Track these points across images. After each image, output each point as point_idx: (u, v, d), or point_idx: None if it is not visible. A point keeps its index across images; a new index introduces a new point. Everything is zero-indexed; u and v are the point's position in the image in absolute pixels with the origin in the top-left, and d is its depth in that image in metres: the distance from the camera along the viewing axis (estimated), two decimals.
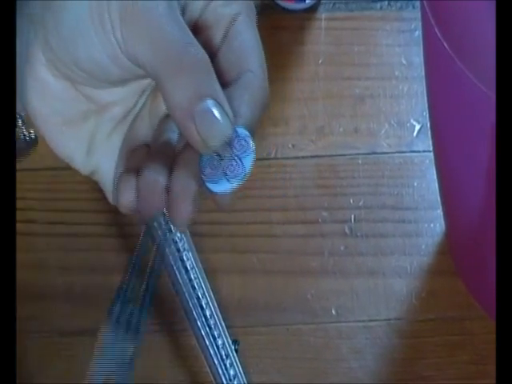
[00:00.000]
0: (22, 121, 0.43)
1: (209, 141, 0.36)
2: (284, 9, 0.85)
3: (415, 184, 0.78)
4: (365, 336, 0.73)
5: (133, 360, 0.36)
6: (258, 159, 0.78)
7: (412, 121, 0.81)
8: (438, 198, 0.74)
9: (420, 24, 0.56)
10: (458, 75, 0.47)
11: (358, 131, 0.80)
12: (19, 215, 0.75)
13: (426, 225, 0.77)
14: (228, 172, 0.37)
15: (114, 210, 0.78)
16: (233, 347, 0.70)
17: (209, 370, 0.70)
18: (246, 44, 0.40)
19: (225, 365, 0.69)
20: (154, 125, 0.42)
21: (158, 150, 0.40)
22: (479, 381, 0.71)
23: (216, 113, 0.36)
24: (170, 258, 0.71)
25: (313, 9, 0.85)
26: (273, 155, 0.80)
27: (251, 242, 0.77)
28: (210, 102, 0.36)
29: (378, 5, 0.85)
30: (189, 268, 0.71)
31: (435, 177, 0.71)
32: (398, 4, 0.85)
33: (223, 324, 0.71)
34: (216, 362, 0.69)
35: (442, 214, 0.75)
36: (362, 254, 0.76)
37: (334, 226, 0.77)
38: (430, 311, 0.74)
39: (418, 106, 0.81)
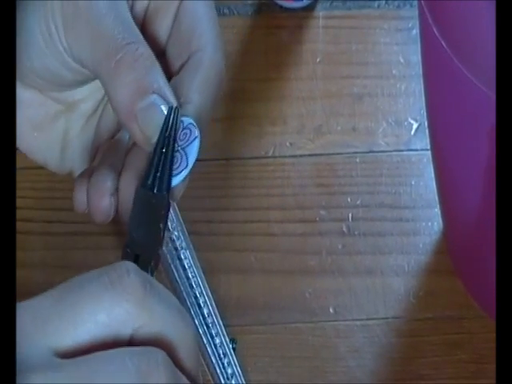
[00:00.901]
0: None
1: (153, 138, 0.36)
2: (281, 7, 0.85)
3: (413, 182, 0.78)
4: (363, 335, 0.73)
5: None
6: (255, 158, 0.79)
7: (410, 119, 0.81)
8: (436, 197, 0.74)
9: (418, 22, 0.55)
10: (456, 74, 0.47)
11: (355, 130, 0.80)
12: (17, 214, 0.75)
13: (424, 223, 0.77)
14: (174, 167, 0.37)
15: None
16: (231, 346, 0.70)
17: (206, 369, 0.70)
18: (195, 22, 0.39)
19: (222, 364, 0.69)
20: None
21: (111, 148, 0.40)
22: (478, 380, 0.71)
23: (159, 108, 0.36)
24: (168, 256, 0.71)
25: (310, 7, 0.85)
26: (271, 154, 0.80)
27: (249, 241, 0.77)
28: (152, 98, 0.36)
29: (376, 3, 0.85)
30: (186, 266, 0.71)
31: (433, 175, 0.71)
32: (396, 2, 0.85)
33: (221, 323, 0.71)
34: (214, 360, 0.69)
35: (439, 212, 0.75)
36: (360, 252, 0.76)
37: (332, 224, 0.77)
38: (428, 310, 0.74)
39: (416, 104, 0.81)
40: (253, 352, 0.73)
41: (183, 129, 0.36)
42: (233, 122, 0.81)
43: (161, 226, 0.36)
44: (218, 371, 0.69)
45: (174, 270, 0.71)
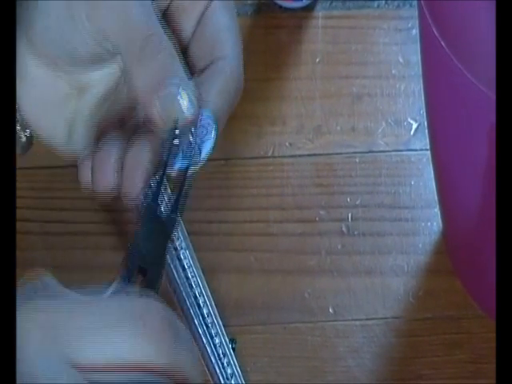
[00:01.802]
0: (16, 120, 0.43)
1: (170, 124, 0.36)
2: (281, 7, 0.85)
3: (412, 183, 0.78)
4: (362, 335, 0.73)
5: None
6: (255, 158, 0.79)
7: (409, 119, 0.81)
8: (435, 197, 0.74)
9: (417, 22, 0.55)
10: (456, 74, 0.47)
11: (355, 130, 0.80)
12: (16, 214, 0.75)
13: (423, 223, 0.77)
14: (185, 155, 0.37)
15: (111, 209, 0.78)
16: (230, 346, 0.70)
17: (206, 369, 0.70)
18: (219, 30, 0.40)
19: (222, 363, 0.69)
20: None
21: (118, 133, 0.40)
22: (477, 380, 0.71)
23: (179, 97, 0.36)
24: (167, 256, 0.71)
25: (310, 7, 0.85)
26: (270, 154, 0.80)
27: (248, 241, 0.77)
28: (173, 87, 0.36)
29: (376, 3, 0.85)
30: (186, 267, 0.71)
31: (432, 175, 0.71)
32: (396, 2, 0.85)
33: (220, 323, 0.71)
34: (213, 360, 0.69)
35: (439, 212, 0.75)
36: (359, 252, 0.76)
37: (332, 224, 0.77)
38: (427, 310, 0.74)
39: (416, 104, 0.81)
40: (252, 352, 0.73)
41: (202, 125, 0.37)
42: (232, 122, 0.81)
43: (168, 244, 0.36)
44: (218, 371, 0.69)
45: (174, 270, 0.71)
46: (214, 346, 0.69)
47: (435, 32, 0.48)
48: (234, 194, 0.79)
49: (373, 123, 0.81)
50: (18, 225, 0.76)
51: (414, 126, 0.80)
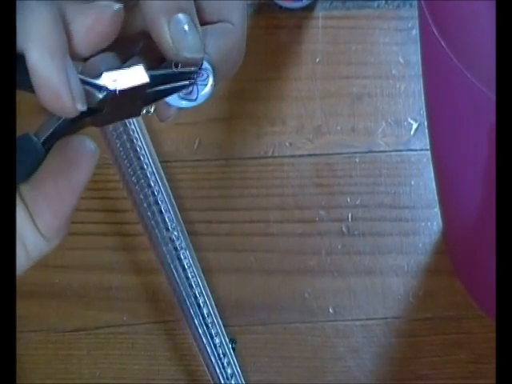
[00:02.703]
0: None
1: (179, 49, 0.36)
2: (281, 7, 0.85)
3: (412, 183, 0.78)
4: (362, 335, 0.73)
5: None
6: (255, 158, 0.79)
7: (409, 119, 0.81)
8: (435, 197, 0.74)
9: (417, 22, 0.55)
10: (456, 73, 0.47)
11: (355, 130, 0.80)
12: None
13: (424, 223, 0.77)
14: (183, 91, 0.37)
15: (111, 209, 0.78)
16: (230, 346, 0.70)
17: (206, 369, 0.70)
18: None
19: (222, 363, 0.69)
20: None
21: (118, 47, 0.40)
22: (477, 380, 0.71)
23: (190, 29, 0.36)
24: (167, 256, 0.71)
25: (310, 7, 0.85)
26: (270, 154, 0.80)
27: (248, 241, 0.77)
28: (186, 17, 0.37)
29: (376, 3, 0.85)
30: (186, 267, 0.71)
31: (432, 175, 0.71)
32: (396, 3, 0.85)
33: (220, 323, 0.71)
34: (213, 360, 0.69)
35: (439, 212, 0.75)
36: (359, 252, 0.76)
37: (332, 224, 0.77)
38: (427, 310, 0.74)
39: (416, 104, 0.81)
40: (252, 352, 0.73)
41: (202, 69, 0.37)
42: (232, 122, 0.81)
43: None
44: (218, 371, 0.69)
45: (174, 270, 0.71)
46: (214, 345, 0.69)
47: (435, 32, 0.48)
48: (234, 194, 0.79)
49: (373, 123, 0.81)
50: None
51: (414, 125, 0.80)
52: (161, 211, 0.71)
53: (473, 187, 0.59)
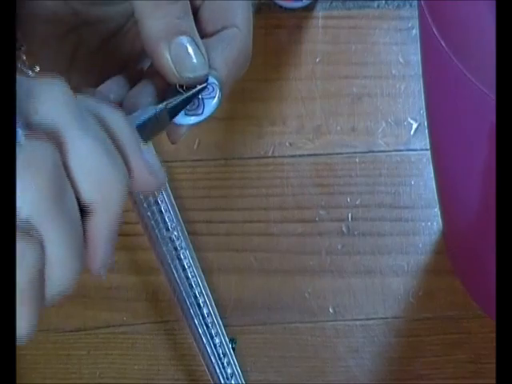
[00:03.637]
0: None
1: (182, 71, 0.36)
2: (281, 7, 0.85)
3: (412, 182, 0.78)
4: (362, 335, 0.73)
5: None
6: (255, 158, 0.79)
7: (409, 119, 0.81)
8: (435, 197, 0.74)
9: (417, 22, 0.55)
10: (455, 73, 0.47)
11: (355, 130, 0.80)
12: None
13: (424, 223, 0.77)
14: (188, 107, 0.37)
15: None
16: (230, 346, 0.70)
17: (206, 369, 0.70)
18: None
19: (222, 363, 0.69)
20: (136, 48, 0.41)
21: (123, 73, 0.40)
22: (477, 380, 0.71)
23: (191, 49, 0.36)
24: (167, 256, 0.71)
25: (310, 7, 0.85)
26: (270, 154, 0.80)
27: (248, 241, 0.77)
28: (186, 39, 0.36)
29: (376, 3, 0.85)
30: (186, 266, 0.71)
31: (432, 175, 0.71)
32: (396, 2, 0.85)
33: (220, 323, 0.71)
34: (213, 360, 0.69)
35: (439, 212, 0.75)
36: (359, 252, 0.76)
37: (332, 224, 0.77)
38: (427, 310, 0.74)
39: (416, 104, 0.81)
40: (252, 352, 0.73)
41: (207, 84, 0.37)
42: (232, 122, 0.81)
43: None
44: (218, 371, 0.69)
45: (174, 270, 0.71)
46: (214, 345, 0.69)
47: (435, 32, 0.48)
48: (233, 194, 0.79)
49: (373, 123, 0.81)
50: None
51: (414, 125, 0.80)
52: (161, 211, 0.71)
53: (473, 187, 0.59)
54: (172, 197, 0.74)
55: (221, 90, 0.37)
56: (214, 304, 0.71)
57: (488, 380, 0.70)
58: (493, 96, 0.45)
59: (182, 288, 0.70)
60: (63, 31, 0.40)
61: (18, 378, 0.72)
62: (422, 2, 0.50)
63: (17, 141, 0.27)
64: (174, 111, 0.36)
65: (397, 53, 0.83)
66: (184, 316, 0.70)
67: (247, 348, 0.73)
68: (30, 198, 0.28)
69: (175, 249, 0.71)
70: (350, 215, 0.77)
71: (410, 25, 0.84)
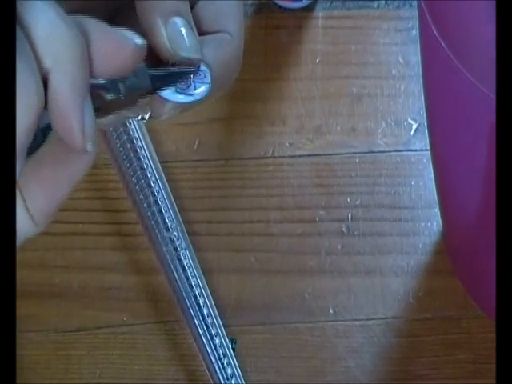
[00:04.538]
0: None
1: (177, 49, 0.36)
2: (281, 7, 0.85)
3: (412, 183, 0.78)
4: (362, 335, 0.73)
5: None
6: (255, 158, 0.79)
7: (409, 120, 0.81)
8: (435, 197, 0.74)
9: (417, 23, 0.55)
10: (455, 74, 0.47)
11: (355, 130, 0.80)
12: None
13: (423, 224, 0.77)
14: (180, 86, 0.37)
15: (111, 209, 0.78)
16: (230, 346, 0.70)
17: (206, 369, 0.70)
18: (228, 4, 0.40)
19: (222, 364, 0.69)
20: None
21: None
22: (476, 380, 0.71)
23: (187, 32, 0.36)
24: (167, 256, 0.71)
25: (310, 7, 0.85)
26: (270, 154, 0.80)
27: (248, 241, 0.77)
28: (182, 21, 0.37)
29: (376, 3, 0.85)
30: (186, 267, 0.71)
31: (432, 175, 0.71)
32: (396, 3, 0.85)
33: (220, 323, 0.71)
34: (213, 360, 0.69)
35: (439, 212, 0.75)
36: (359, 252, 0.76)
37: (331, 224, 0.77)
38: (427, 310, 0.74)
39: (415, 104, 0.81)
40: (252, 352, 0.73)
41: (199, 69, 0.37)
42: (232, 122, 0.81)
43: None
44: (218, 371, 0.69)
45: (174, 271, 0.71)
46: (214, 346, 0.69)
47: (435, 32, 0.48)
48: (233, 195, 0.79)
49: (373, 123, 0.81)
50: None
51: (414, 126, 0.80)
52: (161, 211, 0.71)
53: (473, 187, 0.59)
54: (172, 197, 0.74)
55: (211, 77, 0.37)
56: (213, 304, 0.71)
57: (488, 380, 0.70)
58: (493, 96, 0.45)
59: (182, 288, 0.70)
60: None
61: (17, 378, 0.72)
62: (422, 2, 0.50)
63: None
64: (159, 80, 0.36)
65: (397, 53, 0.83)
66: (184, 316, 0.71)
67: (247, 348, 0.73)
68: None
69: (175, 249, 0.71)
70: (349, 215, 0.77)
71: (410, 25, 0.84)
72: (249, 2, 0.85)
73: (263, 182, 0.79)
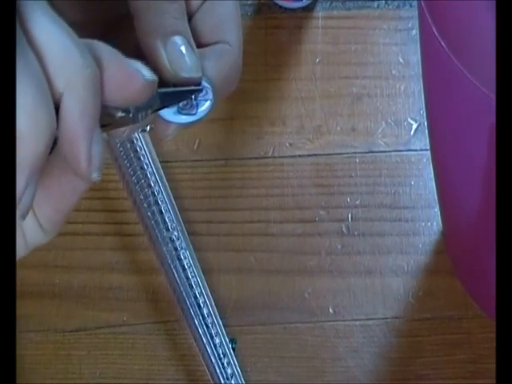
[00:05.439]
0: None
1: (177, 69, 0.36)
2: (281, 7, 0.85)
3: (412, 183, 0.78)
4: (362, 335, 0.73)
5: None
6: (255, 158, 0.79)
7: (409, 119, 0.81)
8: (435, 197, 0.74)
9: (417, 23, 0.55)
10: (455, 74, 0.47)
11: (355, 130, 0.80)
12: None
13: (423, 223, 0.77)
14: (182, 106, 0.37)
15: (111, 209, 0.78)
16: (230, 346, 0.70)
17: (206, 369, 0.70)
18: (226, 14, 0.40)
19: (222, 364, 0.69)
20: None
21: None
22: (476, 380, 0.71)
23: (187, 51, 0.36)
24: (167, 256, 0.71)
25: (310, 7, 0.85)
26: (270, 154, 0.80)
27: (248, 241, 0.77)
28: (182, 40, 0.36)
29: (375, 3, 0.85)
30: (186, 267, 0.71)
31: (432, 175, 0.71)
32: (395, 3, 0.85)
33: (220, 323, 0.71)
34: (213, 360, 0.69)
35: (439, 212, 0.75)
36: (359, 252, 0.76)
37: (331, 224, 0.77)
38: (427, 310, 0.74)
39: (415, 104, 0.81)
40: (252, 352, 0.73)
41: (202, 87, 0.37)
42: (232, 123, 0.81)
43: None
44: (218, 371, 0.69)
45: (174, 271, 0.71)
46: (214, 345, 0.69)
47: (435, 32, 0.48)
48: (234, 195, 0.79)
49: (373, 123, 0.81)
50: None
51: (414, 126, 0.80)
52: (161, 211, 0.71)
53: (473, 187, 0.59)
54: (172, 197, 0.74)
55: (213, 94, 0.37)
56: (213, 304, 0.71)
57: (488, 380, 0.70)
58: (493, 96, 0.45)
59: (182, 288, 0.70)
60: None
61: (18, 378, 0.72)
62: (422, 2, 0.50)
63: None
64: (167, 99, 0.36)
65: (397, 53, 0.83)
66: (184, 316, 0.70)
67: (247, 348, 0.73)
68: None
69: (175, 249, 0.71)
70: (349, 215, 0.77)
71: (409, 25, 0.84)
72: (249, 2, 0.85)
73: (263, 182, 0.79)
